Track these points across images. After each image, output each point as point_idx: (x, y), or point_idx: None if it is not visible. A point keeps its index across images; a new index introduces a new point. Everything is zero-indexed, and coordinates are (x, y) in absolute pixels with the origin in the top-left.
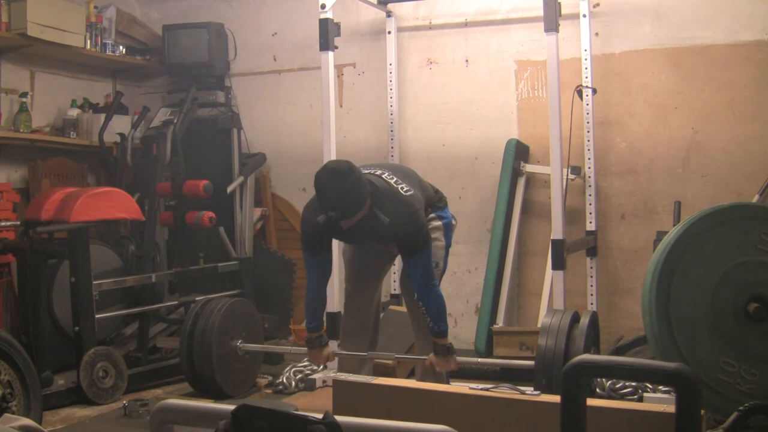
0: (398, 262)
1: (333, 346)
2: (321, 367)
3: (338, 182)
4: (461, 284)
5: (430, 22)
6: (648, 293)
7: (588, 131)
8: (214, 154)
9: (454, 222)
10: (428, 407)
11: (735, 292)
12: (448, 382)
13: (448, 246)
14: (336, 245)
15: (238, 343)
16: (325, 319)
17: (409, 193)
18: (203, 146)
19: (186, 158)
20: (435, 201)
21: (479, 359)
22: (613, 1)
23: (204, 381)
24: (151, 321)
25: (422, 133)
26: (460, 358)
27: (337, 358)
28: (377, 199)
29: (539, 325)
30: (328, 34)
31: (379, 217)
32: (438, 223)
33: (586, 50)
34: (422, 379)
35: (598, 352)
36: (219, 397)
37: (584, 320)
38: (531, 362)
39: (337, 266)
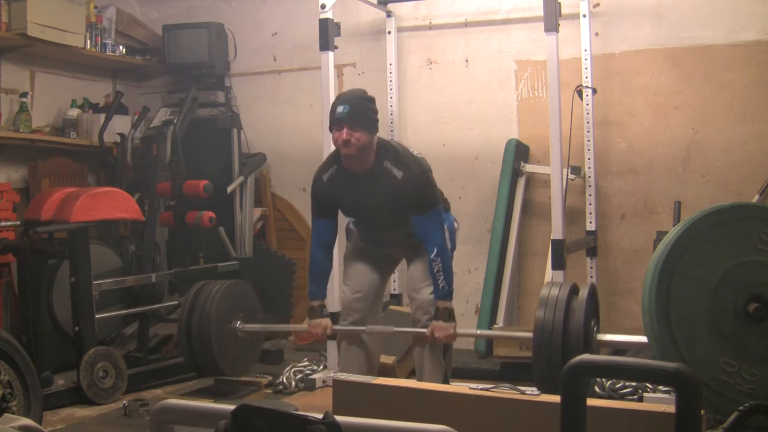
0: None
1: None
2: (321, 367)
3: (355, 90)
4: (461, 284)
5: (430, 22)
6: (648, 293)
7: (588, 131)
8: (214, 154)
9: (456, 225)
10: (428, 407)
11: (735, 292)
12: (448, 382)
13: (452, 249)
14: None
15: (237, 324)
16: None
17: (420, 156)
18: (203, 146)
19: (186, 158)
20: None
21: (479, 331)
22: (613, 1)
23: (205, 364)
24: (151, 321)
25: (422, 133)
26: (460, 359)
27: (337, 357)
28: (390, 153)
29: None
30: (328, 34)
31: (391, 171)
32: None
33: (586, 50)
34: (420, 359)
35: (598, 324)
36: (219, 374)
37: (583, 292)
38: (529, 333)
39: (338, 266)
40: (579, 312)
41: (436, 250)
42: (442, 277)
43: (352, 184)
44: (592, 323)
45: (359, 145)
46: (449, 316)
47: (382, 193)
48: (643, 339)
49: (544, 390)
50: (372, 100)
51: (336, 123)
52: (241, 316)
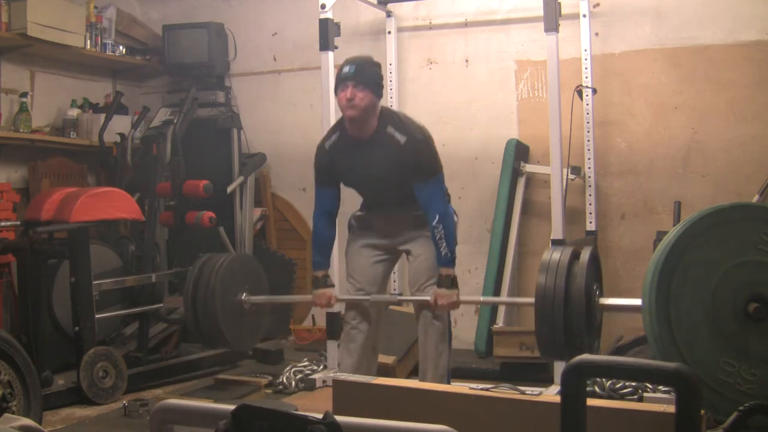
0: (397, 268)
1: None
2: (321, 367)
3: (362, 55)
4: (461, 284)
5: (430, 22)
6: (648, 293)
7: (588, 131)
8: (214, 154)
9: (456, 218)
10: (428, 407)
11: (735, 292)
12: (448, 382)
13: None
14: (337, 246)
15: (243, 296)
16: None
17: (422, 125)
18: (203, 146)
19: (186, 158)
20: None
21: (481, 297)
22: (613, 1)
23: (211, 337)
24: (151, 321)
25: None
26: (460, 358)
27: (338, 355)
28: (393, 119)
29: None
30: (328, 34)
31: (394, 136)
32: None
33: (586, 50)
34: (425, 331)
35: (600, 288)
36: (226, 347)
37: (584, 256)
38: (531, 300)
39: (338, 264)
40: (580, 276)
41: (438, 216)
42: (444, 244)
43: (354, 150)
44: (594, 287)
45: (363, 105)
46: (452, 283)
47: (385, 159)
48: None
49: (547, 356)
50: (378, 65)
51: (341, 82)
52: (246, 288)
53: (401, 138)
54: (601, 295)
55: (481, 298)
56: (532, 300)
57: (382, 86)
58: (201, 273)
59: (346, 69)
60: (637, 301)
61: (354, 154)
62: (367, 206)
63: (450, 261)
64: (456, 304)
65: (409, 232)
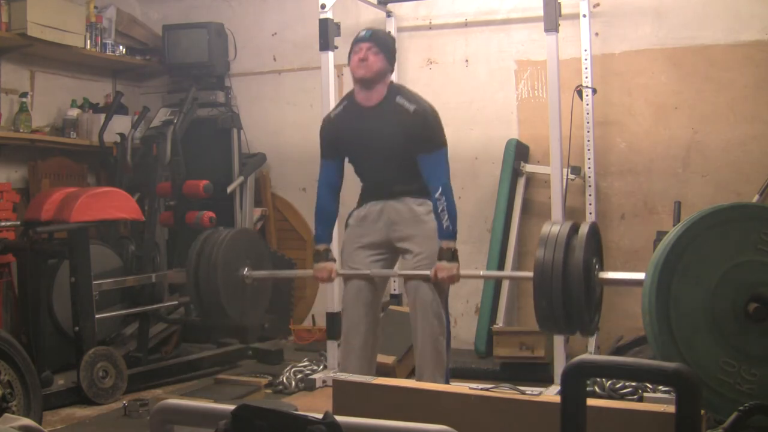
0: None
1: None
2: (321, 367)
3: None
4: (461, 284)
5: (430, 22)
6: (648, 293)
7: (588, 131)
8: (214, 154)
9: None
10: (428, 407)
11: (735, 292)
12: (448, 382)
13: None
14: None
15: (245, 271)
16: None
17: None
18: (203, 146)
19: (186, 158)
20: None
21: (481, 272)
22: (613, 1)
23: (213, 311)
24: (151, 321)
25: None
26: (460, 358)
27: (338, 352)
28: (402, 91)
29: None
30: (328, 34)
31: (403, 105)
32: None
33: (586, 50)
34: (422, 331)
35: (600, 262)
36: (227, 322)
37: (583, 230)
38: (530, 274)
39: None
40: (579, 249)
41: (441, 188)
42: (446, 217)
43: (361, 118)
44: (594, 261)
45: (375, 68)
46: (453, 256)
47: (392, 126)
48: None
49: (546, 329)
50: (393, 38)
51: (356, 44)
52: (248, 263)
53: (410, 107)
54: (601, 269)
55: (481, 272)
56: (530, 274)
57: (395, 58)
58: (203, 247)
59: (362, 33)
60: (638, 275)
61: (360, 121)
62: (365, 194)
63: (451, 234)
64: (456, 278)
65: (408, 228)
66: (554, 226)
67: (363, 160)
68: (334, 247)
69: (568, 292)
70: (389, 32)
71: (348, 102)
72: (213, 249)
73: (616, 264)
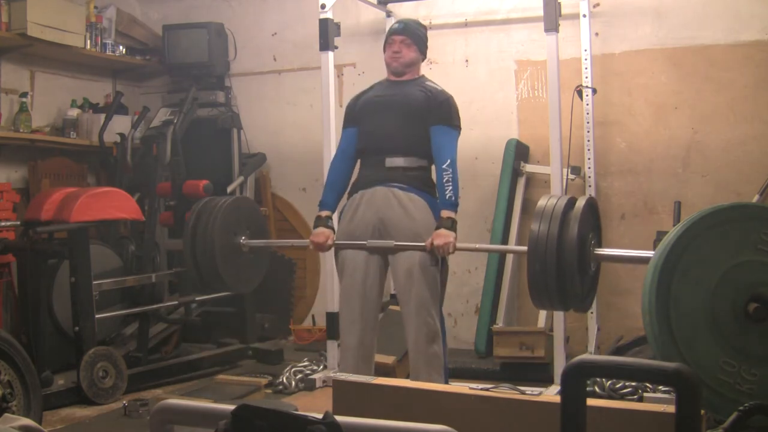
0: None
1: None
2: (321, 367)
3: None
4: (461, 284)
5: (430, 22)
6: (648, 293)
7: (588, 131)
8: (214, 154)
9: None
10: (428, 407)
11: (735, 292)
12: (447, 382)
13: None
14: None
15: (242, 239)
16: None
17: None
18: (203, 146)
19: (186, 158)
20: None
21: (477, 245)
22: (613, 1)
23: (208, 276)
24: (151, 321)
25: None
26: (460, 358)
27: (338, 352)
28: (431, 81)
29: (541, 325)
30: (328, 34)
31: (431, 85)
32: None
33: (586, 50)
34: (416, 334)
35: (598, 238)
36: (224, 289)
37: (580, 204)
38: (524, 248)
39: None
40: (574, 222)
41: (449, 161)
42: (450, 187)
43: (388, 89)
44: (590, 236)
45: (408, 60)
46: (452, 225)
47: (416, 95)
48: (645, 253)
49: (539, 304)
50: (425, 27)
51: (390, 36)
52: (247, 233)
53: (437, 87)
54: (598, 245)
55: (477, 245)
56: (525, 248)
57: (426, 49)
58: (201, 214)
59: (396, 26)
60: (634, 252)
61: (386, 90)
62: (358, 180)
63: (453, 204)
64: (452, 246)
65: (398, 225)
66: (551, 199)
67: (371, 119)
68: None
69: (562, 265)
70: (419, 21)
71: (378, 83)
72: (211, 214)
73: (616, 264)
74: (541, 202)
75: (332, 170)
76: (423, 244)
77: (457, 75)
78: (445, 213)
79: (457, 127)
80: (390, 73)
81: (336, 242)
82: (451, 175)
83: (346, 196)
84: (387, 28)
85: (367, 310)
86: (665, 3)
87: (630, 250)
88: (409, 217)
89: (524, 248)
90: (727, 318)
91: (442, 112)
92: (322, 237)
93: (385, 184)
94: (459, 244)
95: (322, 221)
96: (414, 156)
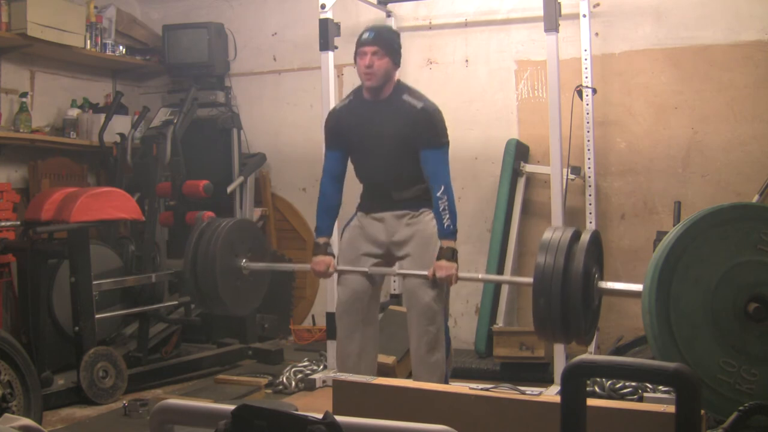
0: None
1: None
2: (321, 367)
3: (384, 24)
4: (461, 284)
5: (430, 22)
6: (648, 293)
7: (588, 131)
8: (214, 154)
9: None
10: (428, 407)
11: (735, 292)
12: (447, 382)
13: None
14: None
15: (243, 262)
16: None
17: None
18: (203, 146)
19: (186, 158)
20: None
21: (480, 275)
22: (613, 1)
23: (208, 298)
24: (151, 321)
25: None
26: (460, 358)
27: (336, 353)
28: (410, 90)
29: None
30: (328, 34)
31: (410, 102)
32: None
33: (586, 50)
34: (418, 338)
35: (601, 271)
36: (224, 312)
37: (585, 238)
38: (529, 279)
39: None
40: (580, 256)
41: (443, 187)
42: (447, 216)
43: (366, 110)
44: (594, 270)
45: (381, 72)
46: (452, 255)
47: (397, 120)
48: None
49: (543, 336)
50: (397, 33)
51: (360, 47)
52: (248, 255)
53: (417, 104)
54: (601, 279)
55: (480, 276)
56: (530, 280)
57: (401, 54)
58: (202, 235)
59: (365, 35)
60: (637, 286)
61: (366, 114)
62: (364, 201)
63: (452, 233)
64: (454, 278)
65: (406, 239)
66: (556, 232)
67: (364, 155)
68: (335, 247)
69: (567, 298)
70: (390, 27)
71: (354, 96)
72: (212, 237)
73: (616, 264)
74: (546, 234)
75: (323, 196)
76: (425, 272)
77: (457, 75)
78: (446, 243)
79: (446, 143)
80: (365, 90)
81: (338, 268)
82: (447, 203)
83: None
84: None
85: (368, 317)
86: (665, 3)
87: (633, 284)
88: (420, 227)
89: (529, 280)
90: (727, 318)
91: (428, 134)
92: (323, 266)
93: (395, 210)
94: (462, 274)
95: (321, 249)
96: (418, 184)
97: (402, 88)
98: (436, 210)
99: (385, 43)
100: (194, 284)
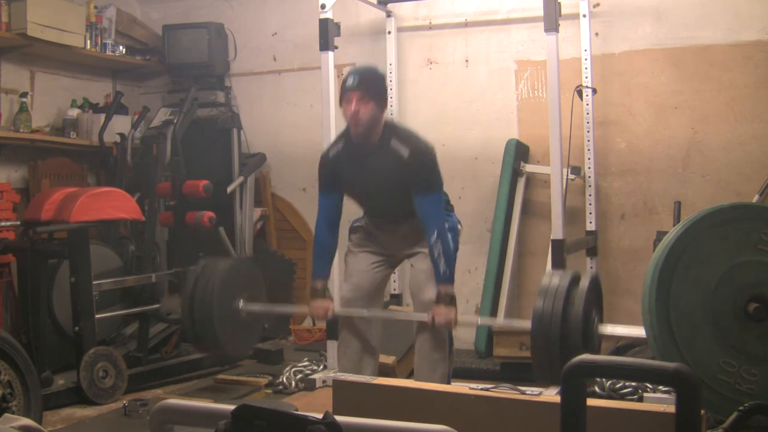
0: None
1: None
2: (321, 367)
3: (366, 65)
4: (461, 284)
5: (430, 22)
6: (648, 293)
7: (588, 131)
8: (214, 154)
9: (459, 227)
10: (428, 407)
11: (735, 292)
12: (448, 382)
13: (455, 249)
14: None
15: (240, 303)
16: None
17: (425, 138)
18: (203, 146)
19: (186, 158)
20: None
21: (479, 319)
22: (613, 1)
23: (206, 341)
24: (151, 321)
25: (422, 133)
26: (460, 358)
27: (336, 356)
28: (397, 132)
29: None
30: (328, 34)
31: (398, 149)
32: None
33: (586, 50)
34: (422, 340)
35: (600, 314)
36: (221, 356)
37: (584, 283)
38: (527, 323)
39: (337, 266)
40: (579, 301)
41: (436, 233)
42: (443, 261)
43: (358, 160)
44: (593, 314)
45: (367, 118)
46: (450, 300)
47: (388, 171)
48: (643, 332)
49: (543, 379)
50: (383, 76)
51: (346, 93)
52: (245, 296)
53: (405, 151)
54: (600, 322)
55: (479, 320)
56: (528, 323)
57: (387, 97)
58: (200, 277)
59: (350, 80)
60: (638, 330)
61: (358, 163)
62: (368, 217)
63: (448, 279)
64: (453, 323)
65: (411, 248)
66: (554, 277)
67: (362, 197)
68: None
69: (566, 343)
70: (375, 70)
71: (345, 142)
72: (210, 279)
73: (616, 264)
74: (545, 280)
75: (319, 244)
76: (424, 316)
77: (457, 75)
78: (443, 288)
79: (439, 187)
80: (353, 135)
81: (337, 311)
82: (441, 249)
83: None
84: (387, 29)
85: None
86: (665, 3)
87: (635, 326)
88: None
89: (528, 323)
90: (727, 318)
91: (420, 179)
92: (322, 310)
93: (399, 224)
94: (461, 317)
95: (319, 293)
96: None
97: (390, 131)
98: (431, 255)
99: (368, 88)
100: (192, 330)
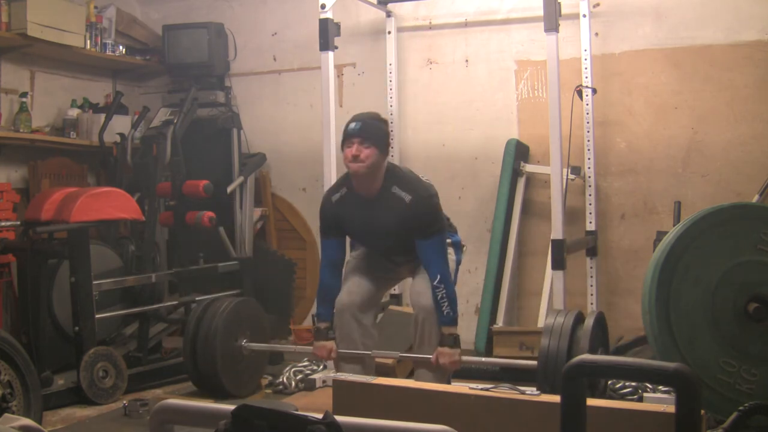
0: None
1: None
2: (321, 367)
3: (368, 112)
4: (461, 284)
5: (430, 22)
6: (648, 293)
7: (588, 131)
8: (214, 154)
9: (463, 244)
10: (428, 407)
11: (735, 292)
12: (449, 382)
13: (458, 262)
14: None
15: (243, 342)
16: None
17: (428, 181)
18: (203, 146)
19: (186, 158)
20: (447, 225)
21: (483, 359)
22: (613, 1)
23: (208, 381)
24: (151, 321)
25: (422, 133)
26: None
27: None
28: (398, 178)
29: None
30: (328, 34)
31: (399, 196)
32: (449, 240)
33: (586, 50)
34: (422, 316)
35: (606, 352)
36: (224, 397)
37: (589, 321)
38: (533, 362)
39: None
40: (584, 339)
41: (439, 276)
42: (446, 303)
43: (360, 207)
44: (600, 351)
45: (369, 162)
46: (454, 342)
47: (390, 218)
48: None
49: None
50: (385, 122)
51: (347, 138)
52: (247, 335)
53: (406, 197)
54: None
55: (483, 359)
56: (533, 363)
57: (389, 143)
58: (202, 318)
59: (352, 126)
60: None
61: (360, 211)
62: (373, 253)
63: (452, 320)
64: (458, 363)
65: (412, 273)
66: (559, 317)
67: (366, 241)
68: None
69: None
70: (378, 116)
71: (347, 189)
72: (213, 318)
73: (616, 264)
74: (549, 319)
75: (323, 286)
76: (430, 357)
77: (457, 75)
78: (447, 330)
79: (440, 231)
80: (355, 182)
81: (340, 351)
82: (444, 291)
83: None
84: (387, 29)
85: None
86: (665, 3)
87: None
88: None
89: (533, 363)
90: (727, 318)
91: (420, 226)
92: (325, 351)
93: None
94: (466, 358)
95: (322, 334)
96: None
97: (391, 177)
98: (434, 298)
99: (372, 133)
100: (194, 370)
